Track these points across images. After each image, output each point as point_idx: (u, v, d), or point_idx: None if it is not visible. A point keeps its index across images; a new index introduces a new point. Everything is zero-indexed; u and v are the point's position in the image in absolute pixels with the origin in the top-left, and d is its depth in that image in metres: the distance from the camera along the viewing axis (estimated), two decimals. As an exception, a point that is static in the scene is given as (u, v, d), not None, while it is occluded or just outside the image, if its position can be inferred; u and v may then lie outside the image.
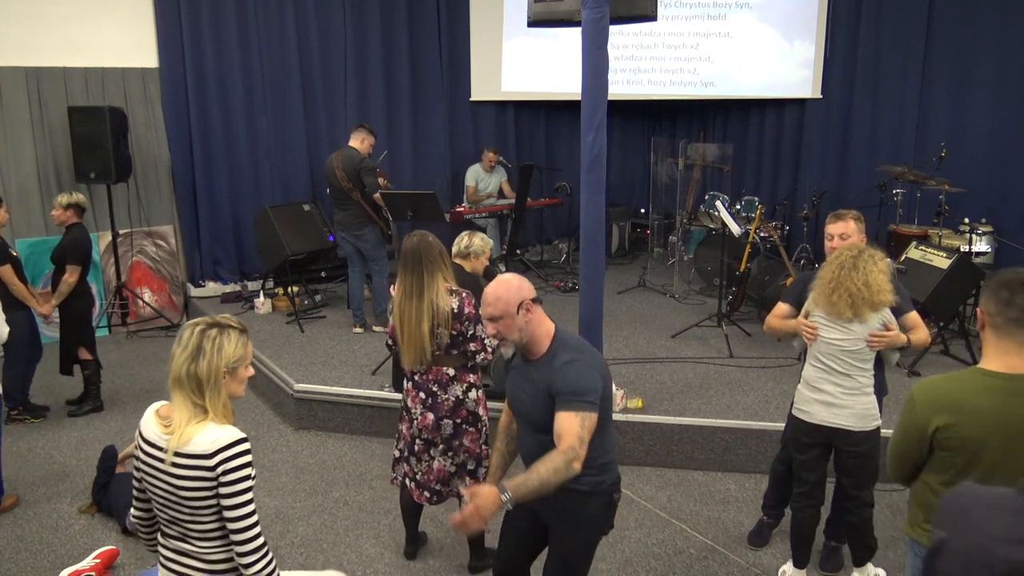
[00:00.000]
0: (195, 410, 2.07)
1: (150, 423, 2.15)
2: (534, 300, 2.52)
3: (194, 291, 7.67)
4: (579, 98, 4.34)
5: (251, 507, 2.08)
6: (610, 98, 4.37)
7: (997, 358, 2.11)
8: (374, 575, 3.71)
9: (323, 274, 7.73)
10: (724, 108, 9.21)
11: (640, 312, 7.08)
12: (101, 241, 7.25)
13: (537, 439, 2.55)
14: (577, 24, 4.28)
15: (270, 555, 2.13)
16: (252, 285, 7.71)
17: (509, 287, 2.49)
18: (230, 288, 7.73)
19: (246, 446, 2.07)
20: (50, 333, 6.70)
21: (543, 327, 2.54)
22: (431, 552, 3.90)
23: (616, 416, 4.72)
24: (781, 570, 3.65)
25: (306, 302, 7.20)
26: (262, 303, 7.12)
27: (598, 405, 2.44)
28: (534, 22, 4.57)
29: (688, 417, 4.74)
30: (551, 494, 2.35)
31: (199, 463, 2.03)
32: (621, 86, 8.55)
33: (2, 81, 6.69)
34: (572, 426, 2.35)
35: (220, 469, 2.03)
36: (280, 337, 6.40)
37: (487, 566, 3.69)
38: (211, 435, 2.04)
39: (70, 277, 5.17)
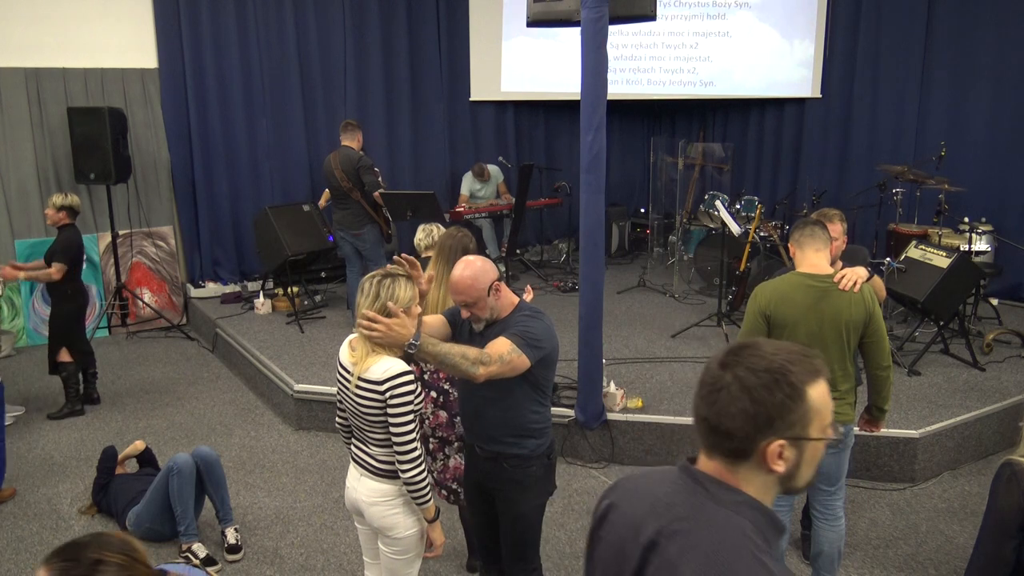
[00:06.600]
0: (373, 345, 2.50)
1: (344, 351, 2.64)
2: (499, 278, 2.68)
3: (194, 292, 7.66)
4: (579, 98, 4.34)
5: (411, 426, 2.50)
6: (610, 98, 4.37)
7: (803, 265, 3.14)
8: (374, 575, 3.71)
9: (323, 274, 7.73)
10: (724, 108, 9.21)
11: (640, 312, 7.07)
12: (101, 242, 7.25)
13: (476, 392, 2.68)
14: (576, 24, 4.28)
15: (423, 465, 2.54)
16: (252, 285, 7.70)
17: (478, 272, 2.60)
18: (230, 289, 7.72)
19: (409, 377, 2.49)
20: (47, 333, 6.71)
21: (509, 299, 2.72)
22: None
23: (616, 416, 4.74)
24: None
25: (306, 302, 7.20)
26: (262, 304, 7.11)
27: (535, 357, 2.58)
28: (533, 22, 4.56)
29: (688, 417, 4.67)
30: (498, 465, 2.74)
31: (373, 387, 2.48)
32: (621, 86, 8.55)
33: (2, 81, 6.69)
34: (503, 346, 2.53)
35: (388, 394, 2.47)
36: (280, 338, 6.40)
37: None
38: (383, 366, 2.48)
39: (53, 272, 5.19)
